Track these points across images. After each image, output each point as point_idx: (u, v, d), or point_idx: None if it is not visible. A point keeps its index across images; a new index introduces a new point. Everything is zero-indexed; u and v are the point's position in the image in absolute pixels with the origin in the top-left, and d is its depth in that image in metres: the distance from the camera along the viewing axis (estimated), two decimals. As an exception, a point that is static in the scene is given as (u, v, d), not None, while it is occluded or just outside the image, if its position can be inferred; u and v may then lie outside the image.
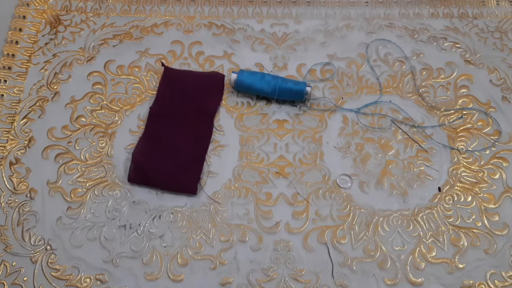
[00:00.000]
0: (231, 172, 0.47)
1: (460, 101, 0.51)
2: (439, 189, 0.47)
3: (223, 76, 0.52)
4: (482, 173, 0.47)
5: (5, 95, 0.51)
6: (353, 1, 0.58)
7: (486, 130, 0.50)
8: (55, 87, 0.52)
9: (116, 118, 0.50)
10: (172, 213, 0.45)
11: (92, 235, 0.44)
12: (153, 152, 0.47)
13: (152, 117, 0.50)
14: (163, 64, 0.53)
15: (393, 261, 0.43)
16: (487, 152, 0.48)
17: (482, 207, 0.46)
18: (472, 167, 0.48)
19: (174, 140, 0.48)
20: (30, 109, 0.51)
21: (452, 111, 0.51)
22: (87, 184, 0.47)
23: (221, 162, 0.48)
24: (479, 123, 0.50)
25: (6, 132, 0.49)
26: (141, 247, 0.44)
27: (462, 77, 0.53)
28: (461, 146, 0.49)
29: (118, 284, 0.42)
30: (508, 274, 0.42)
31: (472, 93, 0.52)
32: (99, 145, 0.49)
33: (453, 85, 0.52)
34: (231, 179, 0.47)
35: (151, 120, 0.49)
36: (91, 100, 0.51)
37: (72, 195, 0.46)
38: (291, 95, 0.50)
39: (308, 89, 0.49)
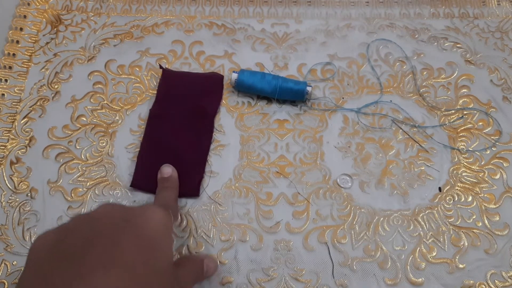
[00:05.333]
0: (232, 172, 0.47)
1: (460, 101, 0.51)
2: (440, 189, 0.47)
3: (222, 76, 0.52)
4: (482, 173, 0.47)
5: (5, 94, 0.51)
6: (354, 1, 0.58)
7: (487, 130, 0.50)
8: (55, 87, 0.52)
9: (117, 118, 0.50)
10: (172, 212, 0.45)
11: (92, 235, 0.44)
12: (154, 156, 0.47)
13: (152, 119, 0.49)
14: (161, 66, 0.53)
15: (394, 261, 0.43)
16: (488, 152, 0.48)
17: (483, 207, 0.46)
18: (473, 167, 0.48)
19: (175, 143, 0.48)
20: (31, 108, 0.51)
21: (453, 111, 0.51)
22: (88, 184, 0.47)
23: (222, 161, 0.48)
24: (480, 123, 0.50)
25: (7, 132, 0.49)
26: (142, 247, 0.44)
27: (463, 77, 0.53)
28: (461, 146, 0.49)
29: (119, 284, 0.42)
30: (508, 274, 0.42)
31: (472, 93, 0.52)
32: (100, 144, 0.49)
33: (453, 85, 0.52)
34: (232, 178, 0.47)
35: (151, 122, 0.49)
36: (91, 100, 0.51)
37: (72, 195, 0.46)
38: (292, 95, 0.50)
39: (308, 89, 0.49)
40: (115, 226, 0.31)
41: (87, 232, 0.30)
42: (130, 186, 0.46)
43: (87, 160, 0.48)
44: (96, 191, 0.46)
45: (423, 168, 0.48)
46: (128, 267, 0.29)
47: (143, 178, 0.46)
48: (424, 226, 0.45)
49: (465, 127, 0.50)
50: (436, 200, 0.46)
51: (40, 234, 0.32)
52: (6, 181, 0.47)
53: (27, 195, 0.46)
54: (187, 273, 0.37)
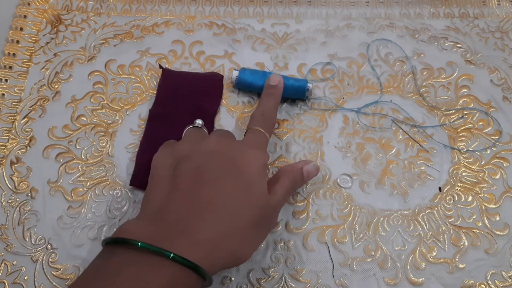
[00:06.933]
0: (232, 172, 0.47)
1: (460, 101, 0.51)
2: (440, 189, 0.47)
3: (222, 76, 0.52)
4: (482, 173, 0.47)
5: (6, 94, 0.51)
6: (354, 1, 0.58)
7: (487, 130, 0.50)
8: (56, 87, 0.52)
9: (117, 118, 0.50)
10: (172, 212, 0.45)
11: (93, 234, 0.44)
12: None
13: (152, 120, 0.49)
14: (161, 66, 0.53)
15: (394, 261, 0.43)
16: (488, 152, 0.48)
17: (483, 207, 0.46)
18: (473, 167, 0.48)
19: None
20: (31, 108, 0.51)
21: (453, 111, 0.51)
22: (88, 184, 0.47)
23: (222, 161, 0.48)
24: (480, 123, 0.50)
25: (7, 132, 0.49)
26: (142, 247, 0.44)
27: (463, 77, 0.53)
28: (461, 146, 0.49)
29: (119, 283, 0.42)
30: (508, 274, 0.42)
31: (473, 93, 0.52)
32: (100, 144, 0.49)
33: (453, 85, 0.52)
34: (232, 178, 0.47)
35: (152, 123, 0.49)
36: (92, 100, 0.51)
37: (72, 194, 0.46)
38: (293, 91, 0.50)
39: (309, 85, 0.49)
40: (222, 164, 0.36)
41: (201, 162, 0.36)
42: (130, 185, 0.46)
43: (87, 160, 0.48)
44: (96, 191, 0.46)
45: (423, 168, 0.48)
46: (226, 206, 0.34)
47: (142, 177, 0.46)
48: (424, 226, 0.45)
49: (465, 127, 0.50)
50: (436, 200, 0.46)
51: (157, 154, 0.40)
52: (6, 181, 0.47)
53: (27, 195, 0.46)
54: (283, 192, 0.39)
